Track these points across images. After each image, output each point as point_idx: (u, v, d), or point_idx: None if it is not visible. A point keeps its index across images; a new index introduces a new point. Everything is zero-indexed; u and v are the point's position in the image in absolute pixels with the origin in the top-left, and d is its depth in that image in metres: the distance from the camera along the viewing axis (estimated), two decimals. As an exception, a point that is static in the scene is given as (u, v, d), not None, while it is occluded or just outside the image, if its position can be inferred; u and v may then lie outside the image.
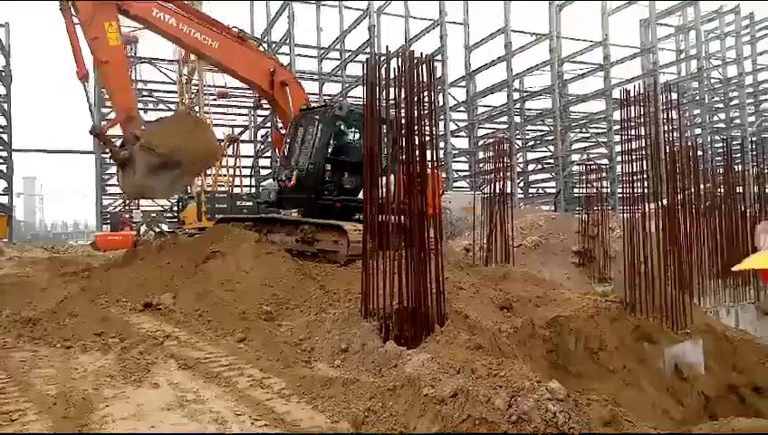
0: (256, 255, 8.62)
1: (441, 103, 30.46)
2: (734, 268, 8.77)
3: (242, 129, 33.45)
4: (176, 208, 26.32)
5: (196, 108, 27.14)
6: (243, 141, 31.07)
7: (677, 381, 7.53)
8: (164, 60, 33.57)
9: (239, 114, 35.14)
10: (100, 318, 6.67)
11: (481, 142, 32.70)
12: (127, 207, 34.83)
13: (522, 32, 32.68)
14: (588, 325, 7.39)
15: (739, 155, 13.12)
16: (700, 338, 8.08)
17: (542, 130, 37.05)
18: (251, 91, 32.97)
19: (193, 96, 27.56)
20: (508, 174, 13.94)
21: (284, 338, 6.21)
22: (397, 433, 3.90)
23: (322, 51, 35.10)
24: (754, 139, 26.98)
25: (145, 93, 37.11)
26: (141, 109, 37.58)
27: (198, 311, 7.05)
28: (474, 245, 13.61)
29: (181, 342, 6.07)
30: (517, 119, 34.73)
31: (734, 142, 12.96)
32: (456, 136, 35.78)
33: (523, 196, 35.49)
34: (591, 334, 7.32)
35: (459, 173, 36.47)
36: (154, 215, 28.57)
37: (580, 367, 7.04)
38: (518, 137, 34.99)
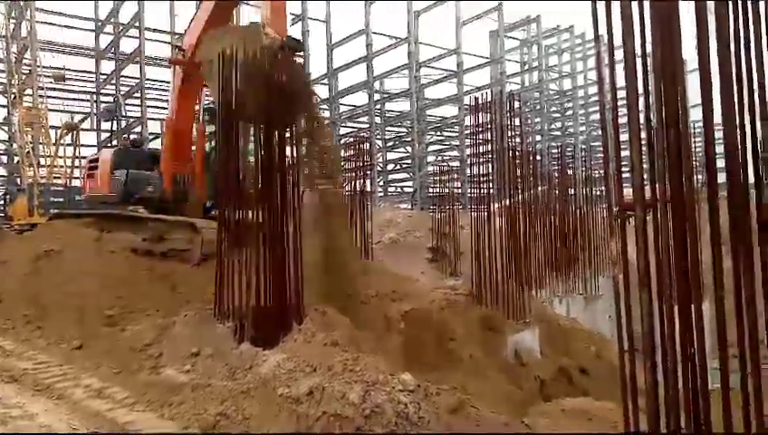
0: (97, 254, 7.93)
1: (303, 100, 30.22)
2: None
3: (82, 116, 30.46)
4: (1, 202, 23.32)
5: (29, 91, 24.21)
6: (83, 130, 28.36)
7: (518, 366, 8.18)
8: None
9: (79, 99, 31.98)
10: None
11: (343, 141, 33.04)
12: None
13: (382, 34, 33.46)
14: (440, 317, 7.77)
15: (572, 161, 14.58)
16: (537, 326, 8.86)
17: (401, 132, 38.31)
18: (93, 75, 30.28)
19: (24, 77, 24.56)
20: (368, 173, 14.21)
21: (129, 344, 5.79)
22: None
23: (177, 36, 33.22)
24: (584, 146, 30.18)
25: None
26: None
27: (27, 316, 6.34)
28: (334, 242, 13.69)
29: (5, 351, 5.44)
30: (378, 119, 35.53)
31: (568, 149, 14.38)
32: (318, 133, 35.78)
33: (382, 194, 36.43)
34: (443, 326, 7.71)
35: (321, 171, 36.51)
36: (-26, 209, 25.06)
37: (433, 357, 7.38)
38: (378, 137, 35.83)
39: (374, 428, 3.46)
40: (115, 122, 16.36)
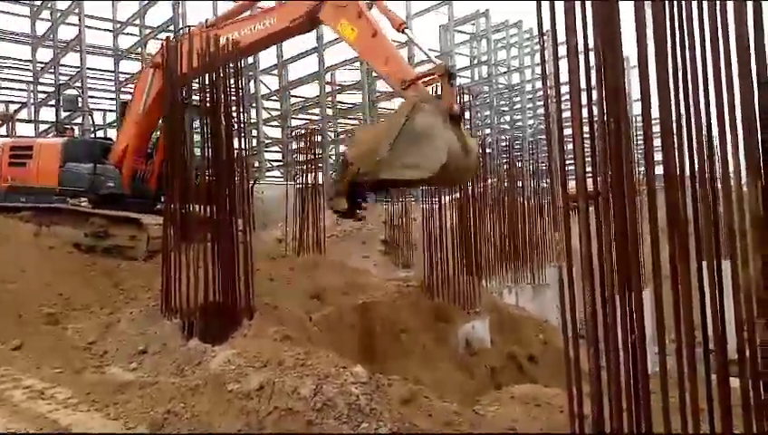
0: (37, 249, 7.61)
1: (252, 90, 29.71)
2: None
3: (18, 106, 29.02)
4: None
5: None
6: (19, 121, 27.05)
7: (468, 356, 8.33)
8: None
9: (14, 89, 30.39)
10: None
11: (294, 133, 32.68)
12: None
13: (333, 25, 33.18)
14: (392, 309, 7.82)
15: (520, 153, 14.90)
16: (487, 316, 9.04)
17: (353, 124, 38.18)
18: (30, 63, 28.88)
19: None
20: (321, 165, 14.12)
21: (71, 342, 5.59)
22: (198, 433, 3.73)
23: (119, 25, 32.03)
24: (532, 139, 30.84)
25: None
26: None
27: (-41, 317, 6.01)
28: (286, 235, 13.57)
29: (-65, 355, 5.14)
30: (330, 111, 35.24)
31: (516, 142, 14.69)
32: (270, 125, 35.20)
33: (334, 187, 36.24)
34: (395, 317, 7.77)
35: (273, 163, 36.03)
36: None
37: (387, 349, 7.43)
38: (330, 129, 35.59)
39: (326, 421, 3.46)
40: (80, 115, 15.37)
